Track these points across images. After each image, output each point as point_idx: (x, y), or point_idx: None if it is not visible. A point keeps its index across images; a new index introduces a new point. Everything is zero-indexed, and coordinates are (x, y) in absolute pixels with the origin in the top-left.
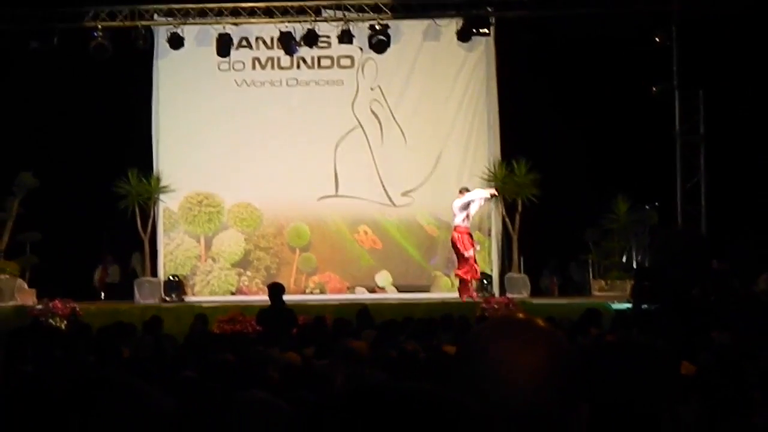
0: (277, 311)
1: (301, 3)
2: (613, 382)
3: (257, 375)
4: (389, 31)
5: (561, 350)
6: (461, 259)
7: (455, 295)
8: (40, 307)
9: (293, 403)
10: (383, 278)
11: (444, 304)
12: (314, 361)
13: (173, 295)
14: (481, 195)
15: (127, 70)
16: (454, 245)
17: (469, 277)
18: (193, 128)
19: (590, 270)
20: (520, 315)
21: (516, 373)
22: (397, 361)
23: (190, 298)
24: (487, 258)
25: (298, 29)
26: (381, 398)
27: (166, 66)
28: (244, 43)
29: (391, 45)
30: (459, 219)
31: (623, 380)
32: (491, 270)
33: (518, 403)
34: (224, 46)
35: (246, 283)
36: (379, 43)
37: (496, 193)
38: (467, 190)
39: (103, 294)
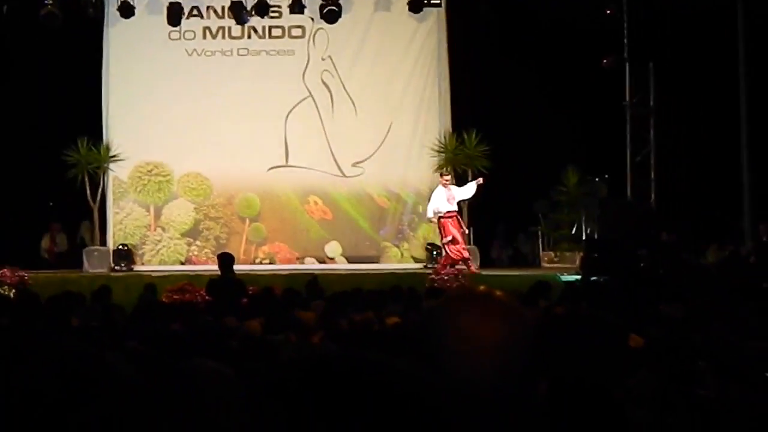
0: (227, 281)
1: None
2: (563, 354)
3: (206, 345)
4: (340, 1)
5: (521, 322)
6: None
7: (405, 266)
8: None
9: (248, 373)
10: (333, 249)
11: (393, 275)
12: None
13: (122, 265)
14: (468, 193)
15: (77, 38)
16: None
17: (453, 255)
18: (143, 97)
19: (540, 242)
20: (481, 287)
21: (478, 345)
22: (347, 332)
23: (139, 268)
24: (436, 229)
25: None
26: (330, 368)
27: (117, 34)
28: (194, 12)
29: (343, 15)
30: (444, 208)
31: (572, 353)
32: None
33: (480, 374)
34: (175, 15)
35: (195, 253)
36: (330, 13)
37: (481, 181)
38: (447, 174)
39: (51, 263)
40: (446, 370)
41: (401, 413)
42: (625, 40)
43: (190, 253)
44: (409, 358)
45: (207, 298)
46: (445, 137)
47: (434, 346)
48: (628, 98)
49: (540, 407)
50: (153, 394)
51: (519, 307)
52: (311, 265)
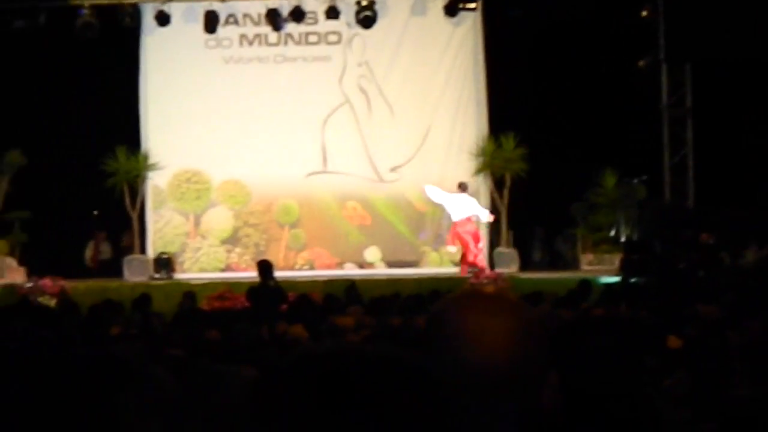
0: (267, 288)
1: None
2: (599, 356)
3: (245, 352)
4: (376, 6)
5: (526, 317)
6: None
7: (444, 270)
8: (29, 285)
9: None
10: (372, 254)
11: (433, 280)
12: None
13: (162, 273)
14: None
15: (114, 48)
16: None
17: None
18: (180, 105)
19: (578, 244)
20: (487, 287)
21: (483, 340)
22: (388, 336)
23: (179, 276)
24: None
25: (285, 5)
26: (325, 363)
27: (153, 43)
28: (231, 19)
29: (378, 20)
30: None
31: (609, 355)
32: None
33: (486, 366)
34: (211, 22)
35: (235, 259)
36: (366, 19)
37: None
38: (465, 187)
39: (94, 271)
40: (453, 359)
41: (407, 403)
42: (662, 41)
43: (230, 260)
44: (422, 351)
45: (247, 304)
46: (482, 141)
47: (441, 342)
48: (665, 99)
49: (549, 397)
50: (191, 400)
51: (525, 305)
52: (350, 270)
